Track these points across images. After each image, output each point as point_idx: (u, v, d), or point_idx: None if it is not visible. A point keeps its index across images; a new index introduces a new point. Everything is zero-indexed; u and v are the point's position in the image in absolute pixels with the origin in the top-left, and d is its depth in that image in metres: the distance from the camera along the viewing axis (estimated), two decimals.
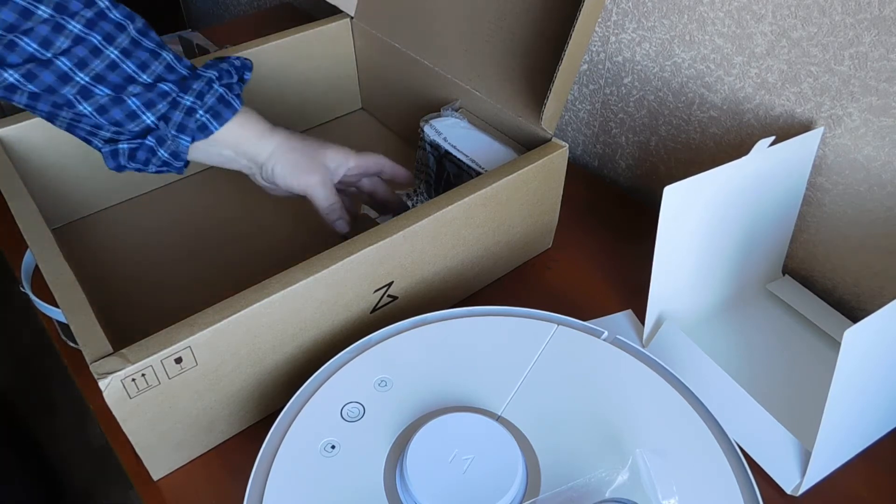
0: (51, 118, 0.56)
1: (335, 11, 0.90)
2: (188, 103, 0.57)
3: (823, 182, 0.66)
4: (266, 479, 0.46)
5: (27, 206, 0.61)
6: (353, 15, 0.89)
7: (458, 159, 0.70)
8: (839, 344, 0.46)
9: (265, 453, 0.48)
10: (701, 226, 0.62)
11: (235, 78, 0.61)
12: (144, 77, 0.55)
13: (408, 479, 0.44)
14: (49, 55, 0.51)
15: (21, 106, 0.54)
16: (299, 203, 0.82)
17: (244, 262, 0.74)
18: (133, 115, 0.56)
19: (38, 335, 0.70)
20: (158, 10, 1.82)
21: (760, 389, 0.58)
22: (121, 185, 0.80)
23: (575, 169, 0.85)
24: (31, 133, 0.71)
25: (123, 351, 0.48)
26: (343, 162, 0.66)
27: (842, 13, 0.57)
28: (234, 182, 0.85)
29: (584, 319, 0.56)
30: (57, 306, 0.53)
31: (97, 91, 0.54)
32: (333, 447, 0.48)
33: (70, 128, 0.57)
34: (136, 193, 0.82)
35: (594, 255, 0.76)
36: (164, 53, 0.57)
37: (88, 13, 0.52)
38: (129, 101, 0.55)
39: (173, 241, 0.77)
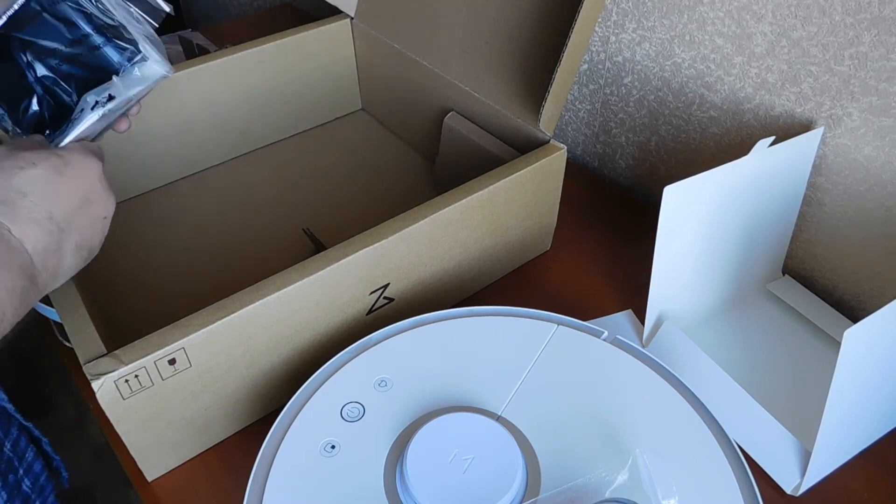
0: None
1: (335, 12, 0.89)
2: None
3: (823, 182, 0.66)
4: (266, 479, 0.46)
5: None
6: (353, 15, 0.89)
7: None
8: (839, 344, 0.46)
9: (265, 453, 0.48)
10: (701, 226, 0.62)
11: None
12: None
13: (408, 479, 0.44)
14: None
15: None
16: (298, 205, 0.82)
17: (240, 263, 0.74)
18: None
19: (38, 335, 0.70)
20: None
21: (760, 389, 0.58)
22: (116, 187, 0.80)
23: (575, 169, 0.85)
24: None
25: (117, 352, 0.48)
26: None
27: (842, 13, 0.57)
28: (231, 183, 0.85)
29: (584, 319, 0.56)
30: (52, 306, 0.53)
31: None
32: (333, 447, 0.48)
33: None
34: (132, 194, 0.82)
35: (594, 255, 0.75)
36: None
37: None
38: None
39: (169, 242, 0.77)
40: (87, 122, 0.48)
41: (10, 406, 0.55)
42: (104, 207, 0.45)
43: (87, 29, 0.48)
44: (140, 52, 0.49)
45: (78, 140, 0.48)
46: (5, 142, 0.45)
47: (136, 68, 0.49)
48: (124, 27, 0.48)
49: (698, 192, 0.59)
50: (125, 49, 0.49)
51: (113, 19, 0.48)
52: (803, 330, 0.66)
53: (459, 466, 0.44)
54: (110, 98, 0.48)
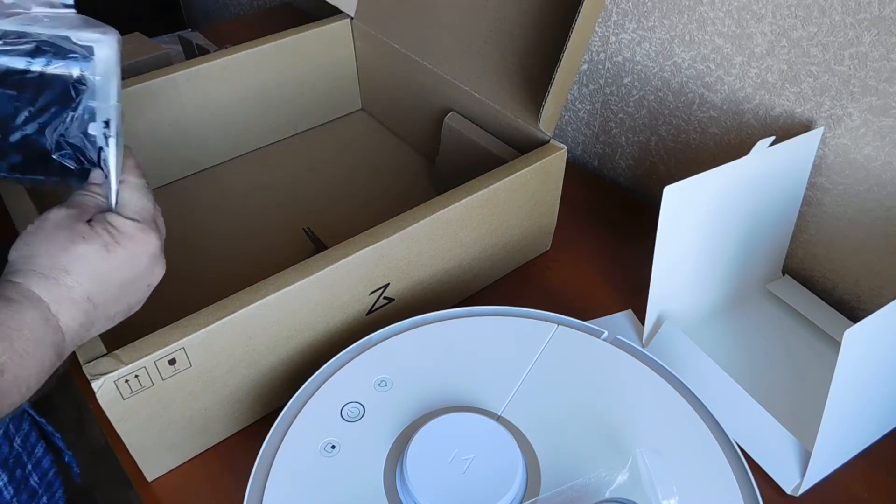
0: None
1: (335, 11, 0.89)
2: None
3: (823, 182, 0.66)
4: (266, 479, 0.46)
5: (25, 207, 0.61)
6: (353, 15, 0.89)
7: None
8: (839, 344, 0.46)
9: (265, 453, 0.48)
10: (701, 226, 0.62)
11: None
12: None
13: (408, 479, 0.44)
14: None
15: None
16: (298, 204, 0.82)
17: (240, 263, 0.73)
18: None
19: None
20: (158, 10, 1.82)
21: (760, 389, 0.58)
22: None
23: (575, 169, 0.85)
24: None
25: (117, 352, 0.48)
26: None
27: (842, 13, 0.57)
28: (231, 183, 0.85)
29: (584, 319, 0.56)
30: None
31: None
32: (333, 447, 0.48)
33: None
34: None
35: (594, 255, 0.75)
36: None
37: None
38: None
39: (169, 242, 0.76)
40: (113, 157, 0.45)
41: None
42: (151, 279, 0.46)
43: (23, 65, 0.42)
44: (87, 53, 0.43)
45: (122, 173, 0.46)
46: (72, 201, 0.44)
47: (94, 68, 0.44)
48: (52, 39, 0.43)
49: (698, 192, 0.59)
50: (72, 56, 0.43)
51: (38, 37, 0.42)
52: (803, 330, 0.66)
53: (459, 466, 0.44)
54: (107, 124, 0.45)
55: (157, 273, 0.46)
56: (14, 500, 0.54)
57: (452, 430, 0.46)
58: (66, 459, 0.61)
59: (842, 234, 0.66)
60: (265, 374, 0.57)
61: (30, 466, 0.56)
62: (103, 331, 0.44)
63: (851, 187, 0.64)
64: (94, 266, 0.41)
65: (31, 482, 0.57)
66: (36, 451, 0.58)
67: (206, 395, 0.54)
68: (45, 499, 0.58)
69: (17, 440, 0.55)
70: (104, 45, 0.43)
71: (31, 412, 0.57)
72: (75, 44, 0.43)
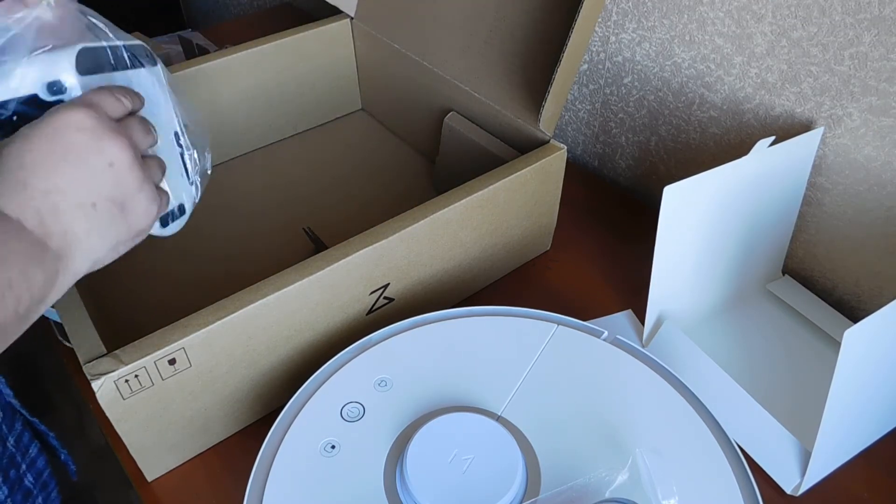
0: None
1: (335, 11, 0.90)
2: None
3: (823, 182, 0.66)
4: (266, 479, 0.46)
5: None
6: (353, 15, 0.89)
7: None
8: (839, 344, 0.46)
9: (265, 453, 0.48)
10: (701, 226, 0.62)
11: None
12: None
13: (408, 479, 0.44)
14: None
15: None
16: (298, 204, 0.82)
17: (240, 263, 0.73)
18: None
19: (38, 335, 0.70)
20: (158, 10, 1.82)
21: (760, 389, 0.58)
22: None
23: (575, 169, 0.85)
24: None
25: (117, 352, 0.48)
26: None
27: (842, 13, 0.57)
28: (231, 183, 0.85)
29: (584, 319, 0.56)
30: (52, 306, 0.53)
31: None
32: (333, 447, 0.48)
33: None
34: None
35: (594, 255, 0.76)
36: None
37: None
38: None
39: (169, 242, 0.76)
40: None
41: (15, 402, 0.55)
42: (100, 155, 0.39)
43: None
44: None
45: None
46: None
47: None
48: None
49: (698, 192, 0.59)
50: None
51: None
52: (803, 330, 0.66)
53: (459, 466, 0.44)
54: None
55: (109, 147, 0.40)
56: (8, 500, 0.54)
57: (452, 430, 0.46)
58: (62, 459, 0.61)
59: (842, 234, 0.66)
60: (265, 374, 0.57)
61: (24, 467, 0.56)
62: (105, 226, 0.40)
63: (851, 187, 0.64)
64: (17, 160, 0.38)
65: (26, 482, 0.56)
66: (30, 451, 0.57)
67: (206, 395, 0.54)
68: (39, 499, 0.58)
69: (11, 440, 0.55)
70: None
71: (24, 412, 0.56)
72: None
